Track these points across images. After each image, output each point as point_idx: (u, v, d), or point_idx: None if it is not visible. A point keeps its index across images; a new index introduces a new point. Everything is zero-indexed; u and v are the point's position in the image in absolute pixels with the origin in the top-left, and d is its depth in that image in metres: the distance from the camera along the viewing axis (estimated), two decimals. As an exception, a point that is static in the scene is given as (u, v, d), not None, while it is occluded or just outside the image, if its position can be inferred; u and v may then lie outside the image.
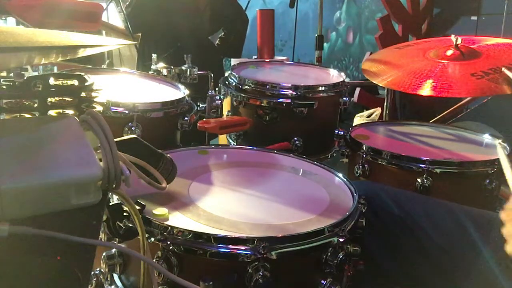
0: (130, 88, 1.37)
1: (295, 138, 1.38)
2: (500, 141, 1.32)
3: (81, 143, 0.54)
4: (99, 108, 0.73)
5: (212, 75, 1.48)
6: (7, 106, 0.67)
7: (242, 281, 0.70)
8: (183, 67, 1.44)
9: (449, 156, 1.22)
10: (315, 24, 2.71)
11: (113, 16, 3.27)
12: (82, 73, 0.76)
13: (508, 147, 1.27)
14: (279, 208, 0.86)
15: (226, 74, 1.50)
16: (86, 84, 0.73)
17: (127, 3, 2.58)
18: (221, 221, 0.78)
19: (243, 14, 2.75)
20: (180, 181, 0.90)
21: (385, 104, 1.95)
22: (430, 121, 1.71)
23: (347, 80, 1.51)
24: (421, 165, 1.14)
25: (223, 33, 2.68)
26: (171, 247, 0.70)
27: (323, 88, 1.41)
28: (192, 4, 2.48)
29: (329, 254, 0.75)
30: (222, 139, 1.77)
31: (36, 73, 0.99)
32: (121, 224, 0.69)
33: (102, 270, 0.81)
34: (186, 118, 1.25)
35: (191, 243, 0.70)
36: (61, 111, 0.69)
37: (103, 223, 0.68)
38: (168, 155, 0.84)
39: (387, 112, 1.96)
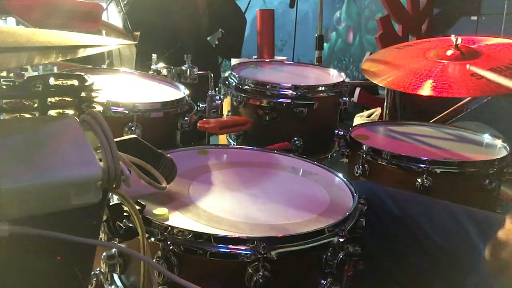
0: (130, 88, 1.37)
1: (295, 138, 1.38)
2: (500, 141, 1.32)
3: (81, 143, 0.54)
4: (99, 108, 0.73)
5: (212, 75, 1.48)
6: (7, 106, 0.66)
7: (242, 281, 0.70)
8: (183, 67, 1.44)
9: (449, 156, 1.22)
10: (315, 24, 2.71)
11: (113, 16, 3.27)
12: (82, 73, 0.76)
13: (508, 147, 1.27)
14: (279, 208, 0.86)
15: (226, 74, 1.50)
16: (86, 84, 0.73)
17: (125, 2, 2.58)
18: (221, 221, 0.78)
19: (241, 14, 2.75)
20: (180, 181, 0.90)
21: (385, 104, 1.95)
22: (430, 121, 1.71)
23: (347, 80, 1.51)
24: (421, 165, 1.14)
25: (221, 34, 2.67)
26: (171, 247, 0.70)
27: (323, 88, 1.41)
28: (191, 4, 2.48)
29: (329, 254, 0.75)
30: (222, 139, 1.77)
31: (36, 73, 0.99)
32: (121, 224, 0.69)
33: (102, 270, 0.81)
34: (186, 118, 1.25)
35: (191, 243, 0.70)
36: (61, 111, 0.69)
37: (103, 223, 0.68)
38: (168, 155, 0.84)
39: (387, 112, 1.96)
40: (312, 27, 3.92)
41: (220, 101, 1.40)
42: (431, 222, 0.93)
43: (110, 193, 0.59)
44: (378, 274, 0.97)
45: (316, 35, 2.65)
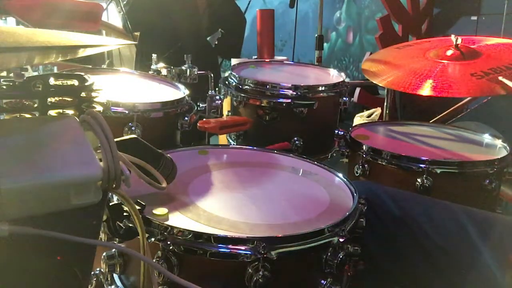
0: (130, 88, 1.37)
1: (295, 138, 1.38)
2: (500, 141, 1.32)
3: (81, 143, 0.54)
4: (99, 108, 0.73)
5: (212, 75, 1.48)
6: (7, 106, 0.67)
7: (242, 281, 0.70)
8: (183, 67, 1.44)
9: (449, 156, 1.22)
10: (315, 24, 2.71)
11: (113, 16, 3.27)
12: (82, 73, 0.76)
13: (508, 147, 1.27)
14: (279, 208, 0.86)
15: (226, 74, 1.51)
16: (86, 84, 0.73)
17: (125, 2, 2.58)
18: (221, 221, 0.78)
19: (241, 14, 2.75)
20: (180, 181, 0.90)
21: (385, 104, 1.95)
22: (430, 121, 1.71)
23: (347, 80, 1.51)
24: (421, 165, 1.14)
25: (221, 34, 2.68)
26: (171, 247, 0.70)
27: (323, 88, 1.41)
28: (190, 4, 2.48)
29: (329, 254, 0.75)
30: (222, 139, 1.77)
31: (36, 73, 0.99)
32: (121, 224, 0.69)
33: (102, 270, 0.81)
34: (186, 118, 1.25)
35: (191, 243, 0.70)
36: (61, 111, 0.69)
37: (103, 223, 0.68)
38: (168, 155, 0.84)
39: (387, 112, 1.96)
40: (312, 27, 3.92)
41: (220, 101, 1.40)
42: (431, 222, 0.93)
43: (110, 193, 0.59)
44: (378, 274, 0.97)
45: (316, 35, 2.65)
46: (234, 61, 2.54)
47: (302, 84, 1.36)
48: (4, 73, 0.72)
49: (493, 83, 1.23)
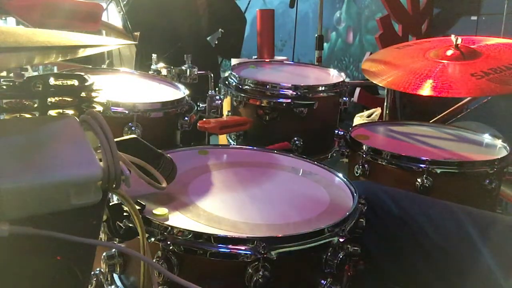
0: (130, 88, 1.37)
1: (295, 138, 1.38)
2: (500, 141, 1.32)
3: (81, 143, 0.54)
4: (99, 108, 0.73)
5: (212, 75, 1.48)
6: (7, 106, 0.67)
7: (242, 281, 0.70)
8: (183, 67, 1.44)
9: (449, 156, 1.22)
10: (315, 24, 2.71)
11: (113, 16, 3.27)
12: (82, 73, 0.76)
13: (508, 147, 1.27)
14: (279, 208, 0.86)
15: (226, 74, 1.51)
16: (86, 84, 0.73)
17: (125, 2, 2.58)
18: (221, 221, 0.78)
19: (241, 14, 2.75)
20: (180, 181, 0.90)
21: (385, 104, 1.95)
22: (430, 121, 1.71)
23: (347, 80, 1.51)
24: (421, 165, 1.14)
25: (221, 34, 2.68)
26: (171, 247, 0.70)
27: (323, 88, 1.41)
28: (190, 4, 2.49)
29: (329, 254, 0.75)
30: (222, 139, 1.77)
31: (36, 73, 0.99)
32: (121, 224, 0.69)
33: (102, 270, 0.81)
34: (186, 118, 1.25)
35: (191, 243, 0.70)
36: (61, 111, 0.69)
37: (103, 223, 0.68)
38: (168, 155, 0.84)
39: (387, 112, 1.96)
40: (312, 27, 3.92)
41: (220, 101, 1.41)
42: (431, 222, 0.93)
43: (110, 193, 0.59)
44: (378, 274, 0.97)
45: (316, 35, 2.65)
46: (234, 61, 2.54)
47: (302, 84, 1.37)
48: (4, 73, 0.72)
49: (493, 83, 1.23)
